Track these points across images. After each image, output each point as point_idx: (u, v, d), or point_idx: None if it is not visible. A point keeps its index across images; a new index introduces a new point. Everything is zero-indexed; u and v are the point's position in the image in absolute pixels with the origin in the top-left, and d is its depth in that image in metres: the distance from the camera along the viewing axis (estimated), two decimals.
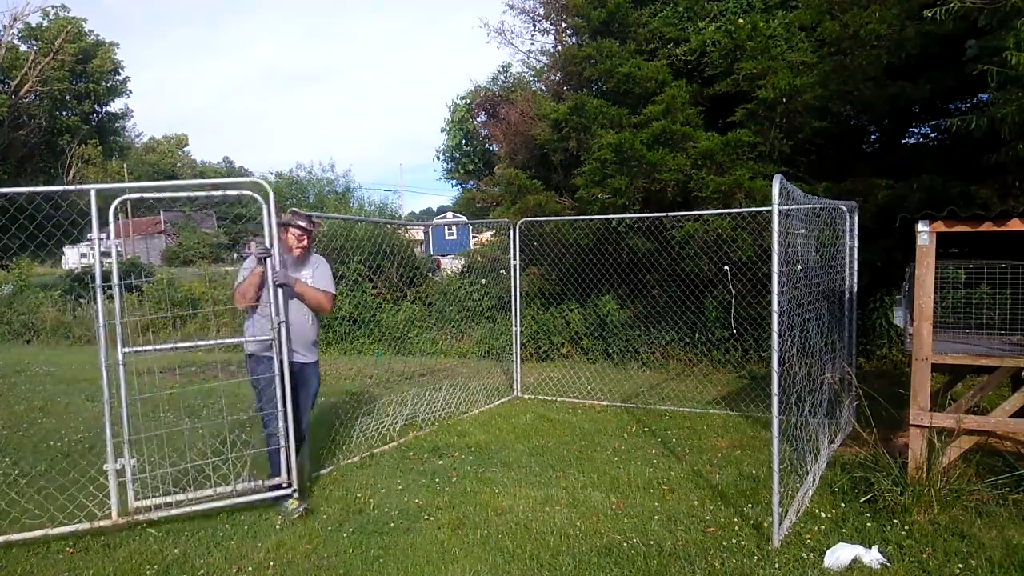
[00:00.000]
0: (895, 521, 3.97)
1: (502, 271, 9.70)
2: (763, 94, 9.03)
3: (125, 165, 44.29)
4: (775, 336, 3.72)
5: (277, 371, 4.44)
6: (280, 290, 4.46)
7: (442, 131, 23.64)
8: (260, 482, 4.46)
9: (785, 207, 3.87)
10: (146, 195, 4.60)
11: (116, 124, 31.34)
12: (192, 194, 4.73)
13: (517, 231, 7.97)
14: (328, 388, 8.27)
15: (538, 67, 16.83)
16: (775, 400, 3.71)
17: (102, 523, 4.16)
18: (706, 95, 10.58)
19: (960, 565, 3.47)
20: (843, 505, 4.26)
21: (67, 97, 26.19)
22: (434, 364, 10.00)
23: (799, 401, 4.35)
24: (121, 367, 4.18)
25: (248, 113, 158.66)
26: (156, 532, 4.16)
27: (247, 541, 4.03)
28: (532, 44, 21.81)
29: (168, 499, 4.23)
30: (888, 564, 3.51)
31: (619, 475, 5.04)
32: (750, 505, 4.37)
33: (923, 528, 3.87)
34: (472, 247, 16.47)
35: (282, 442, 4.44)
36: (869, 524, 3.99)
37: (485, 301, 11.03)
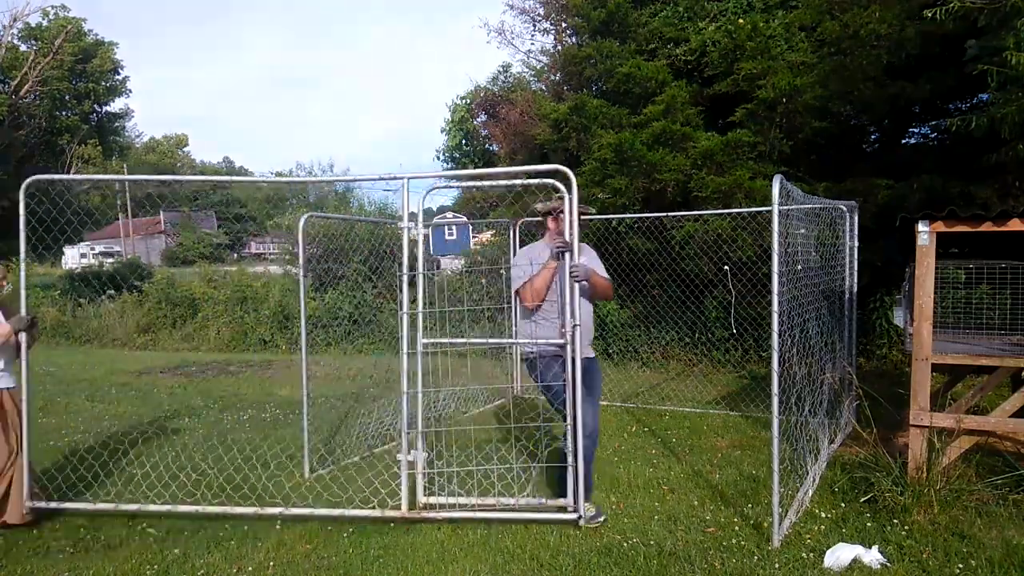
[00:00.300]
0: (895, 521, 3.97)
1: (502, 271, 9.69)
2: (763, 94, 9.03)
3: (125, 165, 44.27)
4: (775, 336, 3.72)
5: (569, 378, 4.05)
6: (577, 285, 4.07)
7: (442, 131, 23.59)
8: (543, 500, 4.21)
9: (785, 207, 3.87)
10: (452, 185, 4.88)
11: (116, 124, 31.36)
12: (494, 183, 4.67)
13: (517, 231, 7.97)
14: (328, 388, 8.27)
15: (538, 67, 16.84)
16: (775, 400, 3.71)
17: (391, 513, 4.19)
18: (706, 95, 10.59)
19: (960, 565, 3.47)
20: (843, 505, 4.26)
21: (67, 97, 26.21)
22: (434, 364, 9.98)
23: (799, 401, 4.35)
24: (419, 358, 4.21)
25: (248, 113, 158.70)
26: (156, 532, 4.16)
27: (247, 541, 4.03)
28: (532, 44, 21.80)
29: (453, 500, 4.19)
30: (888, 564, 3.51)
31: (619, 475, 5.03)
32: (750, 505, 4.37)
33: (923, 528, 3.87)
34: (472, 247, 16.45)
35: (570, 460, 4.08)
36: (869, 524, 3.99)
37: (485, 301, 11.02)
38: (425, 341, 4.24)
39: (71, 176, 5.19)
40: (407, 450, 4.21)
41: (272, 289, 13.84)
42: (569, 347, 4.06)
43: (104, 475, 5.09)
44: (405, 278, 4.25)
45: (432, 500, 4.23)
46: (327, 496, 4.53)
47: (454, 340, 4.55)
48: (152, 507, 4.40)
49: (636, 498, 4.57)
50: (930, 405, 4.33)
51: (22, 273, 4.46)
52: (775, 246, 3.73)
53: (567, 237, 4.11)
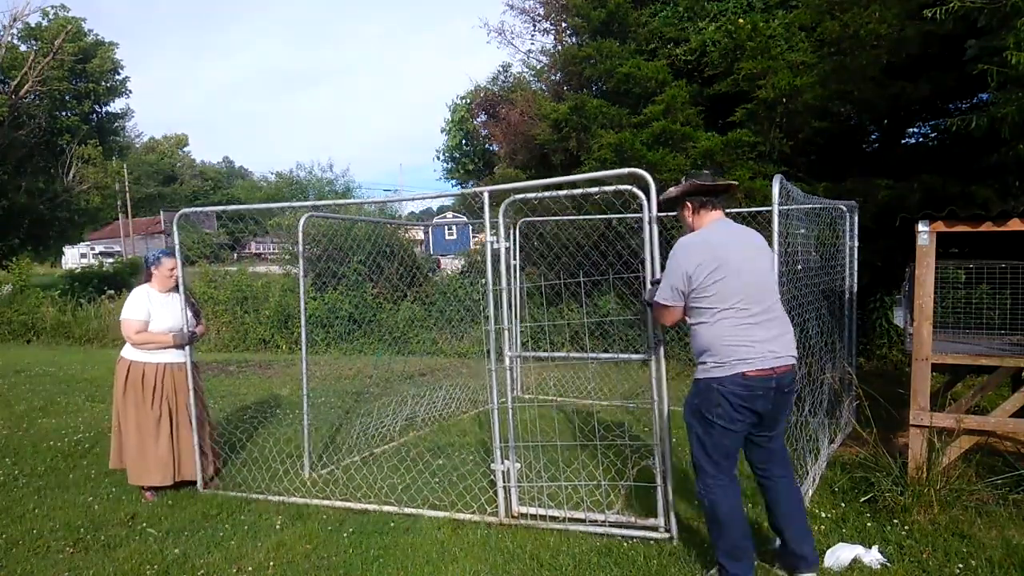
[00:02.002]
0: (895, 521, 3.97)
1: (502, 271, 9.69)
2: (763, 94, 9.03)
3: (125, 165, 44.26)
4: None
5: (655, 395, 3.86)
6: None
7: (442, 131, 23.62)
8: (633, 519, 4.09)
9: (785, 207, 3.87)
10: (529, 195, 4.52)
11: (116, 124, 31.28)
12: (571, 192, 4.46)
13: (517, 231, 7.97)
14: (328, 388, 8.27)
15: (538, 67, 16.83)
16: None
17: (489, 519, 4.23)
18: (706, 95, 10.59)
19: (960, 565, 3.47)
20: (843, 505, 4.26)
21: (67, 97, 26.17)
22: (434, 364, 10.00)
23: (799, 401, 4.35)
24: (508, 371, 4.31)
25: (248, 113, 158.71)
26: (156, 532, 4.17)
27: (247, 541, 4.03)
28: (532, 44, 21.85)
29: (544, 511, 4.19)
30: (888, 564, 3.51)
31: (619, 474, 5.03)
32: (750, 505, 4.37)
33: (923, 528, 3.87)
34: (472, 247, 16.47)
35: (658, 480, 3.89)
36: (869, 524, 3.99)
37: (485, 301, 11.02)
38: (511, 355, 4.26)
39: (212, 208, 5.54)
40: (500, 460, 4.28)
41: (272, 289, 13.83)
42: (653, 362, 3.87)
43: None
44: (491, 292, 4.28)
45: (526, 510, 4.24)
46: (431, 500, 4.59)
47: (540, 354, 4.50)
48: (323, 502, 4.51)
49: (636, 498, 4.57)
50: (930, 405, 4.33)
51: (180, 285, 4.95)
52: (775, 246, 3.73)
53: (647, 252, 3.80)
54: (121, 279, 19.76)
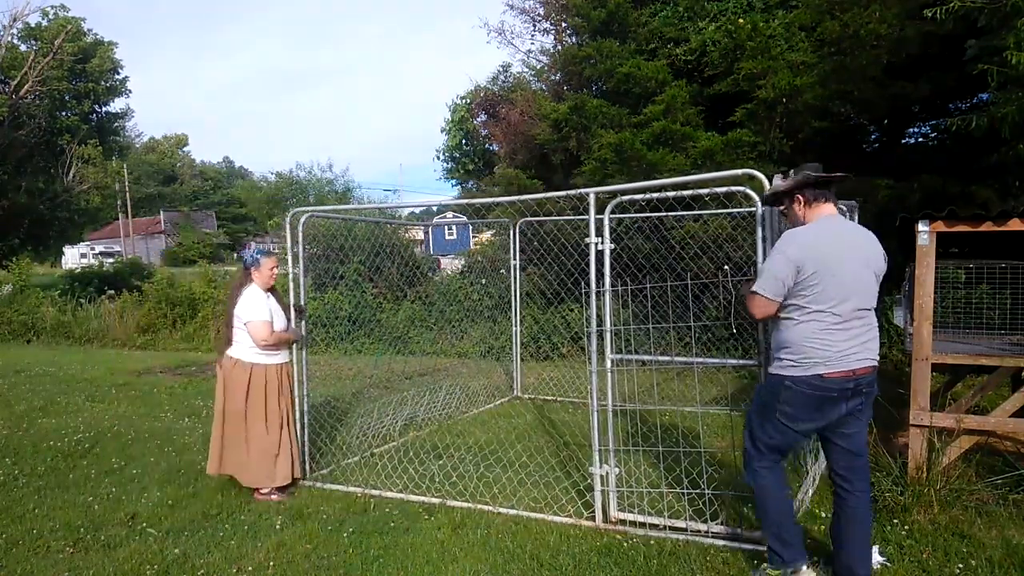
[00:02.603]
0: (895, 521, 3.97)
1: (502, 271, 9.70)
2: (763, 94, 9.04)
3: (125, 165, 44.26)
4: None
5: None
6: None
7: (442, 131, 23.59)
8: (738, 530, 3.93)
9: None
10: (636, 196, 4.46)
11: (116, 124, 31.24)
12: (678, 193, 4.39)
13: (517, 231, 7.97)
14: (328, 388, 8.27)
15: (538, 67, 16.83)
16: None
17: (585, 523, 4.19)
18: (706, 95, 10.60)
19: (960, 565, 3.47)
20: None
21: (67, 97, 26.13)
22: (434, 364, 9.99)
23: None
24: (609, 374, 4.22)
25: (248, 113, 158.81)
26: (156, 532, 4.17)
27: (247, 541, 4.03)
28: (532, 44, 21.84)
29: (643, 518, 4.12)
30: (888, 564, 3.51)
31: (619, 474, 5.02)
32: (750, 505, 4.37)
33: (923, 528, 3.87)
34: (472, 247, 16.46)
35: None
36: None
37: (485, 301, 11.03)
38: (615, 357, 4.19)
39: (332, 207, 5.78)
40: (600, 464, 4.23)
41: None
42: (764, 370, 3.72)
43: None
44: (594, 295, 4.22)
45: (624, 516, 4.18)
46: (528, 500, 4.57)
47: (643, 356, 4.40)
48: (415, 496, 4.40)
49: (636, 497, 4.57)
50: (930, 405, 4.33)
51: (302, 290, 5.22)
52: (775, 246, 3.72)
53: (759, 252, 3.68)
54: (121, 279, 19.74)
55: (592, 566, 3.62)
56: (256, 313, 4.68)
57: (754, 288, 3.23)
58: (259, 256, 4.87)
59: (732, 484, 4.49)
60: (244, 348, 4.73)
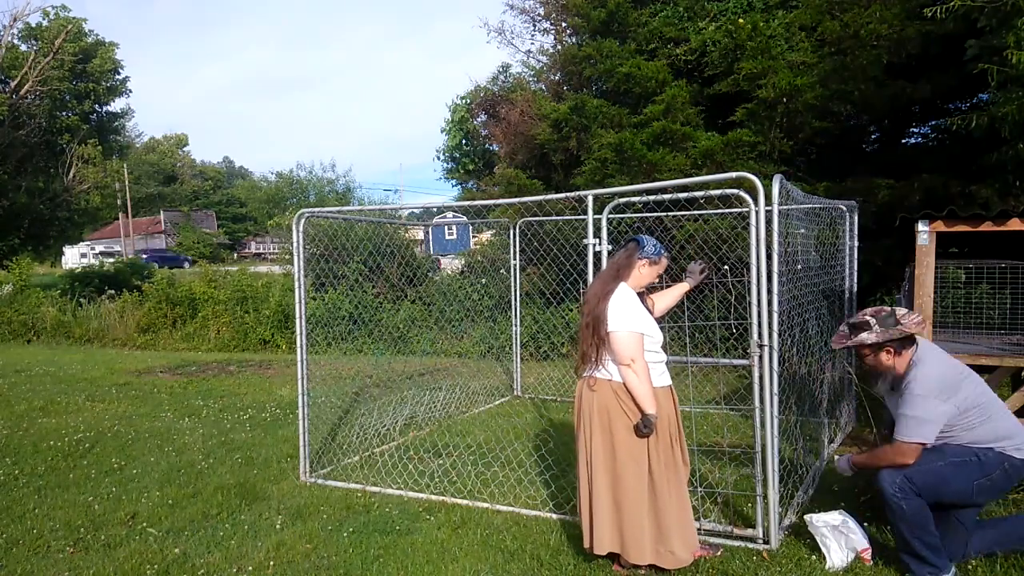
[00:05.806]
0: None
1: (502, 271, 9.70)
2: (763, 94, 9.04)
3: (125, 165, 44.27)
4: (775, 336, 3.73)
5: (757, 401, 3.71)
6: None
7: (442, 131, 23.58)
8: (730, 528, 3.92)
9: (785, 207, 3.87)
10: (633, 198, 4.45)
11: (116, 124, 31.25)
12: (674, 196, 4.36)
13: (517, 231, 7.97)
14: (328, 388, 8.26)
15: (538, 67, 16.83)
16: (775, 400, 3.71)
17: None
18: (706, 95, 10.59)
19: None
20: (843, 505, 4.25)
21: (67, 97, 26.14)
22: (434, 364, 10.00)
23: (799, 401, 4.35)
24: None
25: (248, 113, 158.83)
26: (156, 532, 4.17)
27: (247, 541, 4.03)
28: (532, 44, 21.81)
29: None
30: (888, 565, 3.50)
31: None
32: (750, 505, 4.37)
33: None
34: (472, 247, 16.46)
35: (759, 489, 3.83)
36: (869, 524, 3.98)
37: (485, 301, 11.03)
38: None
39: (336, 209, 5.62)
40: None
41: (272, 289, 13.84)
42: (756, 367, 3.75)
43: None
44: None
45: None
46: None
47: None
48: (415, 495, 4.44)
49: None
50: None
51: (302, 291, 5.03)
52: (775, 246, 3.73)
53: (753, 255, 3.69)
54: (121, 279, 19.75)
55: (592, 566, 3.61)
56: (632, 323, 3.41)
57: (915, 439, 3.27)
58: (663, 252, 3.70)
59: (724, 483, 4.50)
60: (614, 368, 3.42)
